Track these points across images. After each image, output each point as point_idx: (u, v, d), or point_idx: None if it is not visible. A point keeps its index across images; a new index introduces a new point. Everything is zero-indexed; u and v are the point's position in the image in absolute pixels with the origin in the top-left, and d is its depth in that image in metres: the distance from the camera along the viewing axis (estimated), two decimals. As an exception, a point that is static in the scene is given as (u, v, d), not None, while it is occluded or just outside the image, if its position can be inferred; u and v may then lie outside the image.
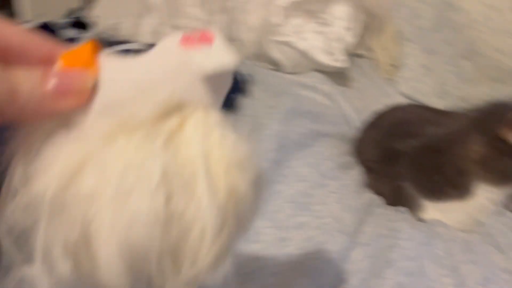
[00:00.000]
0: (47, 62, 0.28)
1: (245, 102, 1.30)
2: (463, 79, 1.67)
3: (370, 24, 1.95)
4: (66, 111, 0.27)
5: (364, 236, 0.87)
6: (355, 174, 1.15)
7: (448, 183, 0.88)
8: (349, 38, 1.78)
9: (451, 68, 1.71)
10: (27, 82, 0.26)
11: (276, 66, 1.74)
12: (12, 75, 0.26)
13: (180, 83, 0.29)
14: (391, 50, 1.95)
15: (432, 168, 0.92)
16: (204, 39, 0.29)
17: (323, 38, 1.70)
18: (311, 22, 1.69)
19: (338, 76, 1.85)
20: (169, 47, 0.30)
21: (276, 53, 1.70)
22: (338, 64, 1.69)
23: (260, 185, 0.32)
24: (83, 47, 0.30)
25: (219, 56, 0.28)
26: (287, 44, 1.69)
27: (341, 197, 0.98)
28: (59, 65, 0.28)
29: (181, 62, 0.29)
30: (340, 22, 1.74)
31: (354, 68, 1.99)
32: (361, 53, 2.14)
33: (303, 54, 1.68)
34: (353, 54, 2.08)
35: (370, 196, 1.05)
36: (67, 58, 0.28)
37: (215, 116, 0.31)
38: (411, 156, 0.96)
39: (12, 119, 0.26)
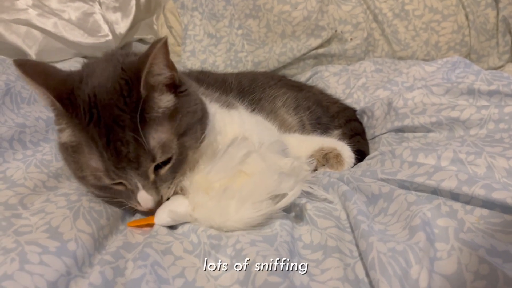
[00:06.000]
0: None
1: None
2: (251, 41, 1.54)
3: (148, 3, 1.69)
4: None
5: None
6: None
7: None
8: (112, 15, 1.48)
9: (238, 31, 1.57)
10: None
11: (20, 56, 1.31)
12: None
13: None
14: (176, 28, 1.73)
15: None
16: None
17: (75, 12, 1.35)
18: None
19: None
20: None
21: (13, 37, 1.28)
22: (97, 41, 1.36)
23: None
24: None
25: None
26: (25, 22, 1.28)
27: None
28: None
29: None
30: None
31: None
32: (143, 38, 1.87)
33: (49, 34, 1.30)
34: (136, 40, 1.80)
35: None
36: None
37: None
38: None
39: None
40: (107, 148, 0.61)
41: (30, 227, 0.64)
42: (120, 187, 0.67)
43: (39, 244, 0.59)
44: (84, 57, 1.41)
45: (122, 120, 0.61)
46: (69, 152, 0.65)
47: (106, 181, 0.64)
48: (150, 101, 0.63)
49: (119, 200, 0.70)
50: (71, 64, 1.33)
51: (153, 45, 0.63)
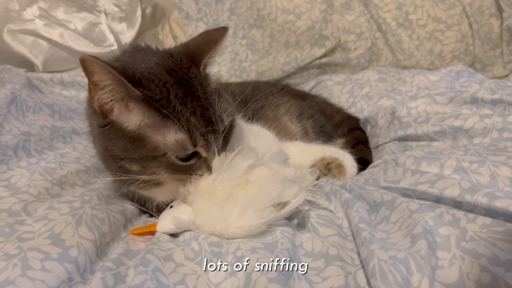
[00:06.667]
0: None
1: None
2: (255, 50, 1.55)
3: (153, 14, 1.71)
4: None
5: None
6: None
7: None
8: (118, 25, 1.50)
9: (243, 41, 1.57)
10: None
11: (26, 66, 1.33)
12: None
13: None
14: (181, 38, 1.75)
15: None
16: None
17: (81, 22, 1.37)
18: (62, 4, 1.35)
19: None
20: None
21: (20, 47, 1.30)
22: (102, 51, 1.38)
23: None
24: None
25: None
26: (32, 33, 1.31)
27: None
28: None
29: None
30: (108, 6, 1.45)
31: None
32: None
33: (55, 44, 1.32)
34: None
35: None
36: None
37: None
38: None
39: None
40: (194, 115, 0.67)
41: (33, 233, 0.64)
42: (192, 161, 0.70)
43: (41, 250, 0.59)
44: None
45: (195, 90, 0.68)
46: (140, 134, 0.66)
47: (190, 149, 0.67)
48: (206, 77, 0.72)
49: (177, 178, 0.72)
50: (77, 74, 1.35)
51: (220, 32, 0.74)
